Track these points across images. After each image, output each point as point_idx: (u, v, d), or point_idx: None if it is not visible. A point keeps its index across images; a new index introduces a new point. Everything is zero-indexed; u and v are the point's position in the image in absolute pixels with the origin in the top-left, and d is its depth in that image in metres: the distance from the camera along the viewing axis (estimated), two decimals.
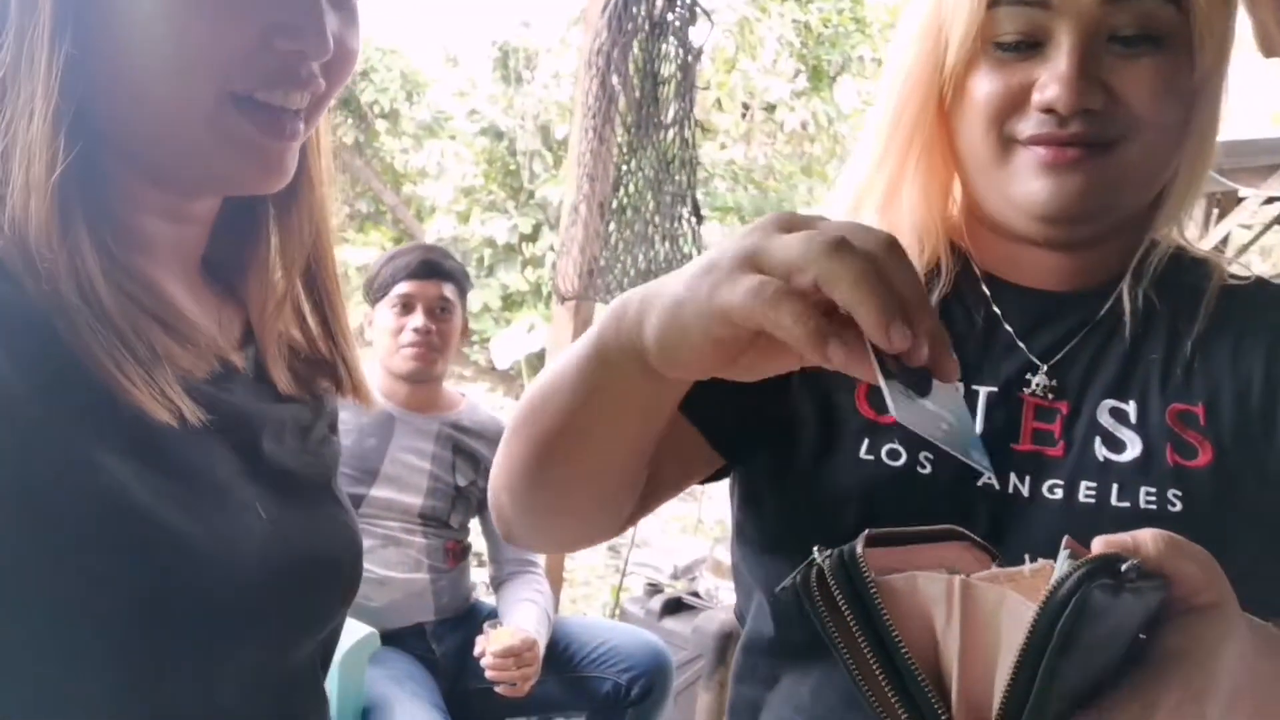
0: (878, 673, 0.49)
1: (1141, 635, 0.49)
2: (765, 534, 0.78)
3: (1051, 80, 0.67)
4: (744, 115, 8.56)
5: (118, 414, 0.54)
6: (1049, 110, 0.68)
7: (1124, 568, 0.46)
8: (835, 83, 8.70)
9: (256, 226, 0.71)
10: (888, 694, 0.48)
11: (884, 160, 0.78)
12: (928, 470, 0.71)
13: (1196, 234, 5.19)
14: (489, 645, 1.96)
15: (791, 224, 0.50)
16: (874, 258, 0.46)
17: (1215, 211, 5.27)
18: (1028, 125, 0.70)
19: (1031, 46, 0.69)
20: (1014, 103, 0.70)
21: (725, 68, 8.06)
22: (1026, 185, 0.70)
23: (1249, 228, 5.52)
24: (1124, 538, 0.54)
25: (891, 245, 0.48)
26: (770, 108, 8.57)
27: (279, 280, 0.71)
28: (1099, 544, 0.56)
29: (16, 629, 0.51)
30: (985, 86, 0.71)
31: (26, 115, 0.53)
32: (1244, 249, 5.77)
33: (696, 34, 2.62)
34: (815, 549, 0.51)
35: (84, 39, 0.55)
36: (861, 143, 0.80)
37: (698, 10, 2.62)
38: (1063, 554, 0.49)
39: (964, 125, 0.73)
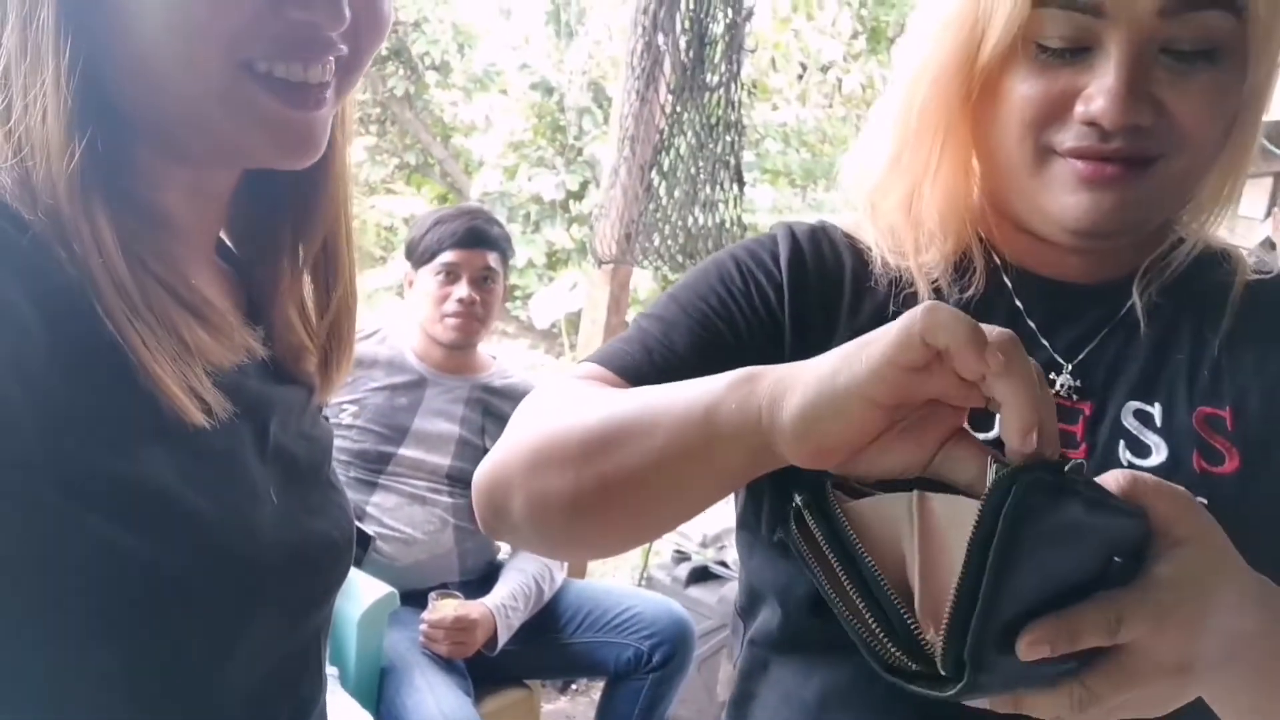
0: (848, 586, 0.52)
1: (1116, 559, 0.49)
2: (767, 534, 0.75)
3: (1099, 93, 0.63)
4: (800, 77, 8.40)
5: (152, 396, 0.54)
6: (1092, 124, 0.64)
7: (1066, 468, 0.47)
8: (893, 45, 8.50)
9: (276, 202, 0.69)
10: (857, 603, 0.51)
11: (905, 159, 0.73)
12: None
13: (1261, 213, 5.01)
14: (427, 614, 2.01)
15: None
16: (1032, 367, 0.48)
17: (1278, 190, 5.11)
18: (1068, 136, 0.66)
19: (1077, 53, 0.65)
20: (1054, 111, 0.66)
21: (782, 27, 7.90)
22: (1061, 199, 0.67)
23: None
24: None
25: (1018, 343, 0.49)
26: (825, 68, 8.39)
27: (293, 260, 0.70)
28: None
29: (36, 600, 0.51)
30: (1023, 89, 0.66)
31: (40, 111, 0.52)
32: None
33: None
34: (795, 493, 0.54)
35: (89, 20, 0.53)
36: (873, 138, 0.76)
37: None
38: (991, 465, 0.50)
39: (996, 126, 0.69)
